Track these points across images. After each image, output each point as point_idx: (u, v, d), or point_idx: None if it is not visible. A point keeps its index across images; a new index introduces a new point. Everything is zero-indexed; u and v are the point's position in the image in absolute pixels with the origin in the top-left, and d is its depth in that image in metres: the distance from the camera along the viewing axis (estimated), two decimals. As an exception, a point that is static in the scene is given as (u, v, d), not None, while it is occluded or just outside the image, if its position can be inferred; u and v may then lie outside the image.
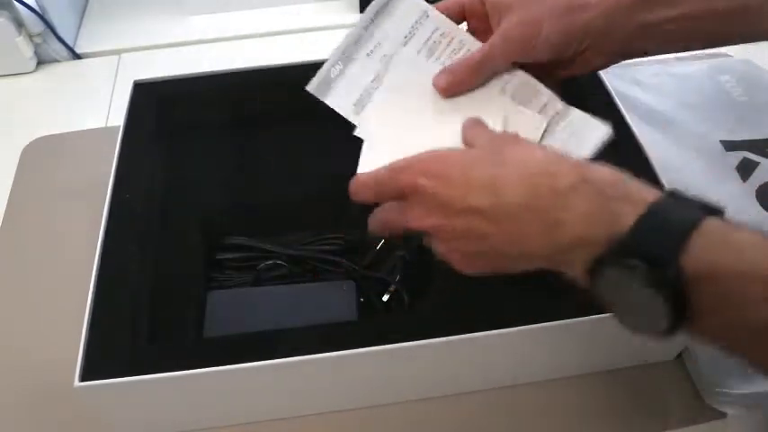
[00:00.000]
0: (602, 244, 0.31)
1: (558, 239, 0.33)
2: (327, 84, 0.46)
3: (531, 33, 0.42)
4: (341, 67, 0.46)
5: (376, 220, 0.41)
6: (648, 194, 0.32)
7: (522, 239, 0.34)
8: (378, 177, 0.38)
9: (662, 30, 0.42)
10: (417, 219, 0.37)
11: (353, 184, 0.40)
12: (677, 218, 0.30)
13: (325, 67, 0.46)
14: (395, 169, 0.37)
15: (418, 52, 0.46)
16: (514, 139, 0.38)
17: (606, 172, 0.34)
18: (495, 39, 0.43)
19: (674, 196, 0.32)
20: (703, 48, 0.47)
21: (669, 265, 0.29)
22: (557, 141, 0.43)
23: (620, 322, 0.33)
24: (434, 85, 0.44)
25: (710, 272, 0.29)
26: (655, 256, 0.30)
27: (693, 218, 0.30)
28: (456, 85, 0.44)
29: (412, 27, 0.46)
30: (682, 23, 0.42)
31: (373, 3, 0.46)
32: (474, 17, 0.46)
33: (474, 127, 0.41)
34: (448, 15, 0.46)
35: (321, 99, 0.46)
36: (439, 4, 0.46)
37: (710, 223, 0.30)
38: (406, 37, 0.46)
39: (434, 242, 0.38)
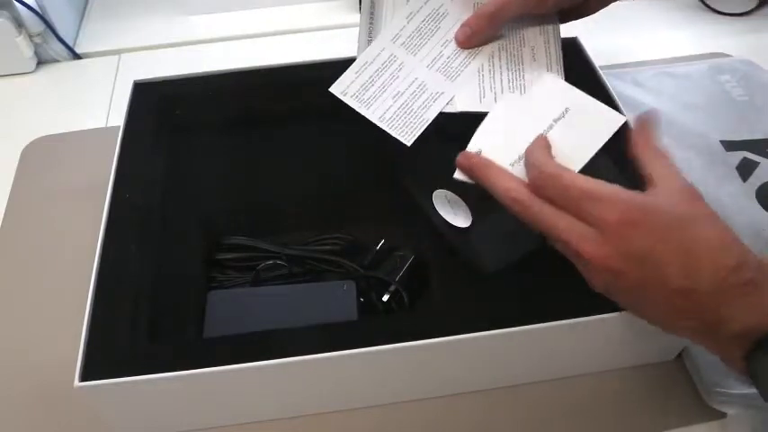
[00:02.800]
0: (762, 332, 0.33)
1: (723, 332, 0.34)
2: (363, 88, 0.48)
3: None
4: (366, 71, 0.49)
5: (534, 215, 0.39)
6: None
7: (680, 322, 0.36)
8: (560, 188, 0.38)
9: None
10: (595, 251, 0.36)
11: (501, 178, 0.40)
12: None
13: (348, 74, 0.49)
14: (592, 196, 0.36)
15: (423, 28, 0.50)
16: (699, 206, 0.37)
17: None
18: None
19: None
20: None
21: None
22: (572, 128, 0.44)
23: None
24: (455, 38, 0.48)
25: None
26: None
27: None
28: (474, 36, 0.47)
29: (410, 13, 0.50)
30: None
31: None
32: None
33: (664, 162, 0.39)
34: None
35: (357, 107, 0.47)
36: None
37: None
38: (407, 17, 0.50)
39: (590, 270, 0.37)
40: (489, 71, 0.48)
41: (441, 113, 0.47)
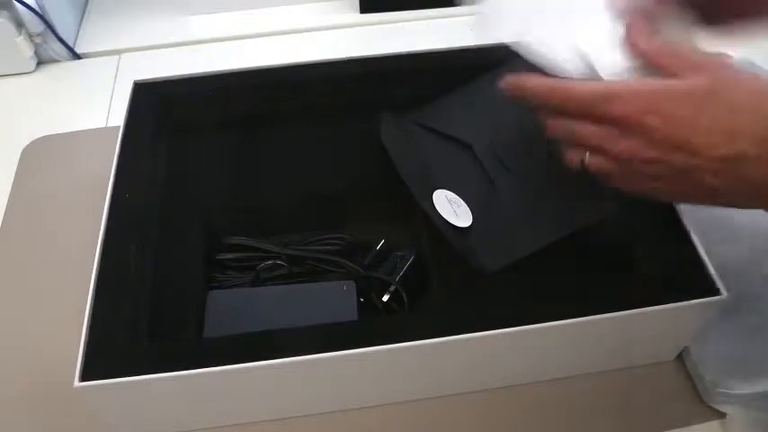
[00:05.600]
0: None
1: None
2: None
3: None
4: None
5: (563, 128, 0.39)
6: None
7: (745, 189, 0.35)
8: (574, 92, 0.38)
9: None
10: (630, 149, 0.36)
11: (530, 80, 0.39)
12: None
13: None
14: (604, 96, 0.37)
15: None
16: (733, 73, 0.36)
17: None
18: None
19: None
20: None
21: None
22: None
23: None
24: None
25: None
26: None
27: None
28: None
29: None
30: None
31: None
32: None
33: (675, 54, 0.38)
34: None
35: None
36: None
37: None
38: None
39: (624, 169, 0.37)
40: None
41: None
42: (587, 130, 0.38)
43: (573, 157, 0.40)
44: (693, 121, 0.35)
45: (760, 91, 0.35)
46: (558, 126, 0.40)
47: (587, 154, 0.39)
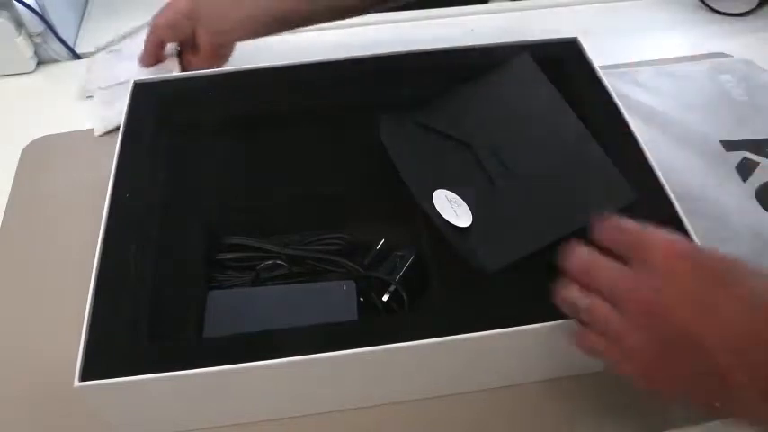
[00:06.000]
0: None
1: None
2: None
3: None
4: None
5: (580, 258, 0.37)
6: None
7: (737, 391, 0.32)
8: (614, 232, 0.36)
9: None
10: (638, 284, 0.33)
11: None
12: None
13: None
14: (637, 239, 0.34)
15: None
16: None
17: None
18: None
19: None
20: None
21: None
22: None
23: None
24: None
25: None
26: None
27: None
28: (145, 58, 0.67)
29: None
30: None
31: None
32: None
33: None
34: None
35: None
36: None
37: None
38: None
39: (629, 319, 0.34)
40: None
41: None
42: (603, 264, 0.35)
43: (566, 293, 0.38)
44: (727, 284, 0.31)
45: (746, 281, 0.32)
46: (576, 256, 0.37)
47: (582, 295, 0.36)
